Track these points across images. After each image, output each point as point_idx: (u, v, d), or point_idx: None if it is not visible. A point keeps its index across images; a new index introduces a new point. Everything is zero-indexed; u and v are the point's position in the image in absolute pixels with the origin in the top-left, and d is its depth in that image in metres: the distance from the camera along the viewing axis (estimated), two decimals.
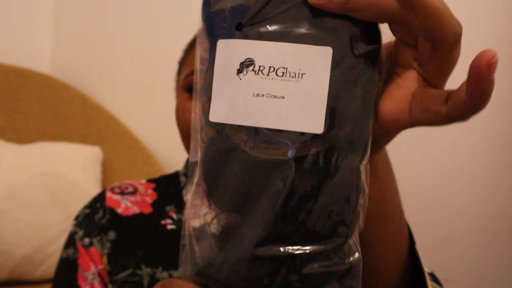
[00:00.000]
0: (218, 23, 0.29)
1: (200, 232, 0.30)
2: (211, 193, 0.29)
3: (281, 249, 0.27)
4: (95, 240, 0.61)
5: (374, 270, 0.39)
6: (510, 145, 1.03)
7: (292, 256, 0.27)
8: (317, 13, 0.27)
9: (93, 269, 0.60)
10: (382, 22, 0.27)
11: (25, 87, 1.49)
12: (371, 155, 0.33)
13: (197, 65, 0.30)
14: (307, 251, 0.27)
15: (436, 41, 0.26)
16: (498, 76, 0.96)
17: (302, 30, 0.27)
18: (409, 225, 0.43)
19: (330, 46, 0.27)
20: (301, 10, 0.27)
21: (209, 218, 0.29)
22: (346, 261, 0.28)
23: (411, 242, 0.43)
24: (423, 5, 0.25)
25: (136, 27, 1.53)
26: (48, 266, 1.25)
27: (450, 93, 0.28)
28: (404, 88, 0.30)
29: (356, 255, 0.28)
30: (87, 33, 1.62)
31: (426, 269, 0.45)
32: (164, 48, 1.34)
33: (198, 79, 0.30)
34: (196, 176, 0.29)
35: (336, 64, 0.27)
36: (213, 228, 0.29)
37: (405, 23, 0.26)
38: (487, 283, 1.05)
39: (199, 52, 0.30)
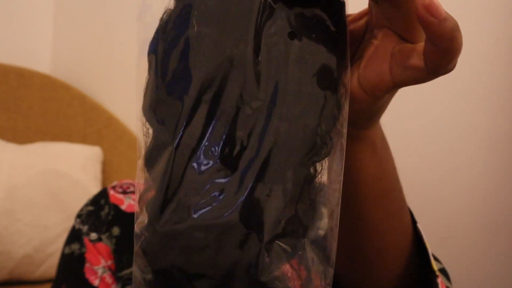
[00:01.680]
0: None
1: None
2: None
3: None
4: (103, 237, 0.61)
5: (380, 250, 0.39)
6: (510, 145, 1.03)
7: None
8: None
9: (103, 263, 0.60)
10: None
11: (25, 87, 1.49)
12: (367, 129, 0.33)
13: None
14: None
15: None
16: (498, 76, 0.97)
17: None
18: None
19: None
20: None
21: None
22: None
23: (413, 221, 0.43)
24: None
25: (136, 27, 1.53)
26: (49, 266, 1.25)
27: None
28: (381, 48, 0.30)
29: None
30: (87, 33, 1.62)
31: (440, 265, 0.44)
32: None
33: None
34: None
35: None
36: None
37: None
38: (487, 283, 1.05)
39: None
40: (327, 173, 0.28)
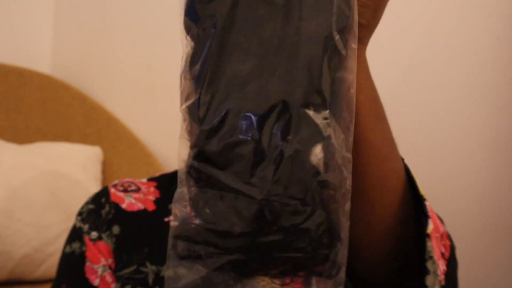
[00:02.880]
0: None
1: None
2: None
3: None
4: (104, 235, 0.61)
5: (381, 177, 0.40)
6: (510, 145, 1.03)
7: None
8: None
9: (103, 261, 0.60)
10: None
11: (25, 87, 1.49)
12: (362, 44, 0.36)
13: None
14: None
15: None
16: (498, 76, 0.97)
17: None
18: None
19: None
20: None
21: None
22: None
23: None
24: None
25: (136, 27, 1.53)
26: (49, 266, 1.25)
27: None
28: None
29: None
30: (88, 33, 1.62)
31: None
32: (164, 48, 1.34)
33: None
34: None
35: None
36: None
37: None
38: (487, 283, 1.05)
39: None
40: (343, 69, 0.32)
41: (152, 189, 0.67)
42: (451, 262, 0.47)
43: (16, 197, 1.23)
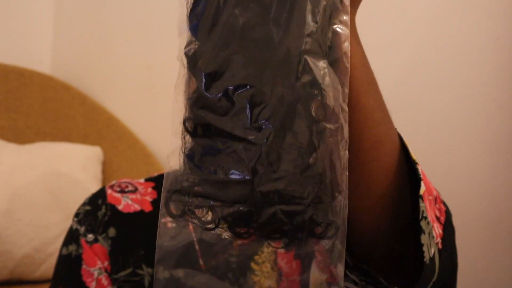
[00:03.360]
0: None
1: None
2: None
3: None
4: (100, 238, 0.61)
5: (376, 140, 0.41)
6: (510, 145, 1.03)
7: None
8: None
9: (99, 264, 0.60)
10: None
11: (26, 87, 1.49)
12: (353, 8, 0.37)
13: None
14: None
15: None
16: (498, 76, 0.97)
17: None
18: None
19: None
20: None
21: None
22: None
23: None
24: None
25: (136, 27, 1.53)
26: (49, 266, 1.25)
27: None
28: None
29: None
30: (88, 34, 1.63)
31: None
32: (164, 48, 1.34)
33: None
34: None
35: None
36: None
37: None
38: (487, 283, 1.05)
39: None
40: (339, 21, 0.33)
41: (149, 189, 0.67)
42: (448, 227, 0.47)
43: (17, 197, 1.23)
